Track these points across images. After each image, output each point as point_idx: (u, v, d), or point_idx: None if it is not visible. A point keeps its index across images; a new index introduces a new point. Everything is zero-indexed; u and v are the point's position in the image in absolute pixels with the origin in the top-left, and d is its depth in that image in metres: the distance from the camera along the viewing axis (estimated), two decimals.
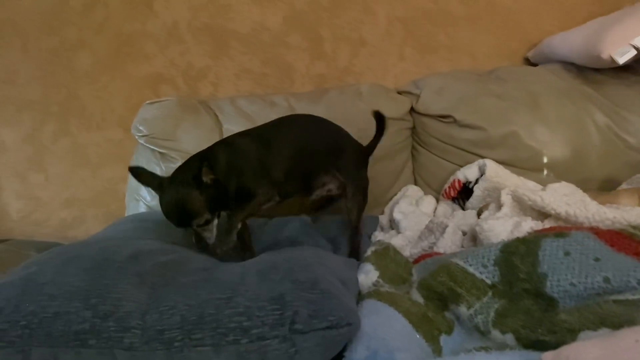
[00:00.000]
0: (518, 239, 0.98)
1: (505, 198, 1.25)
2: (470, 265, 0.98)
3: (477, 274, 0.97)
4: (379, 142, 1.49)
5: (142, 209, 1.69)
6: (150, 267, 1.00)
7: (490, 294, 0.95)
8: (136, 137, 1.73)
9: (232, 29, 2.07)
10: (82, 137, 2.15)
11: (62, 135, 2.14)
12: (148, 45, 2.08)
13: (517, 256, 0.96)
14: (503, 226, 1.15)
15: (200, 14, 2.05)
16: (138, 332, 0.82)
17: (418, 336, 0.92)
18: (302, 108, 1.72)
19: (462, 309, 0.96)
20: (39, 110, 2.12)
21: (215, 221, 1.15)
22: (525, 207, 1.21)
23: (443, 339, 0.95)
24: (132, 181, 1.75)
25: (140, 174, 1.18)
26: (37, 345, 0.81)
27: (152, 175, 1.18)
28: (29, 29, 2.06)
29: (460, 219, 1.37)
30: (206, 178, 1.09)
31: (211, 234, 1.15)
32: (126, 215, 1.76)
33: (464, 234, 1.30)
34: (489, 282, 0.96)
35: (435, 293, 1.01)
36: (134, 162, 1.79)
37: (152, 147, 1.69)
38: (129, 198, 1.76)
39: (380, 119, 1.46)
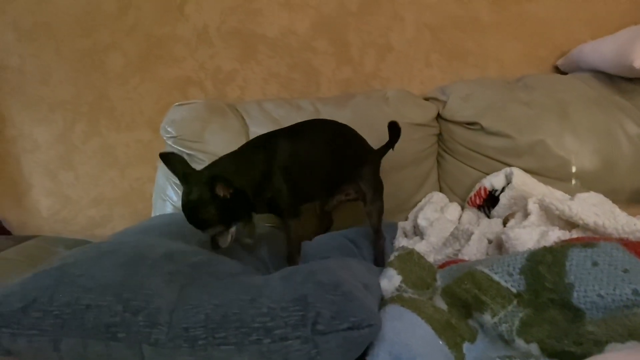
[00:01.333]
0: (545, 248, 0.97)
1: (533, 207, 1.24)
2: (496, 273, 0.98)
3: (503, 282, 0.96)
4: (389, 150, 1.48)
5: (169, 209, 1.72)
6: (181, 267, 1.02)
7: (515, 302, 0.94)
8: (164, 138, 1.76)
9: (261, 34, 2.09)
10: (112, 138, 2.19)
11: (92, 135, 2.19)
12: (178, 48, 2.11)
13: (544, 265, 0.95)
14: (529, 235, 1.14)
15: (229, 18, 2.08)
16: (164, 328, 0.84)
17: (441, 343, 0.92)
18: (328, 112, 1.73)
19: (486, 317, 0.95)
20: (71, 110, 2.17)
21: (233, 228, 1.16)
22: (553, 217, 1.20)
23: (466, 346, 0.94)
24: (159, 181, 1.79)
25: (171, 160, 1.17)
26: (68, 336, 0.84)
27: (182, 163, 1.17)
28: (63, 31, 2.11)
29: (485, 227, 1.37)
30: (222, 193, 1.07)
31: (225, 240, 1.16)
32: (152, 215, 1.79)
33: (490, 242, 1.29)
34: (514, 290, 0.95)
35: (459, 300, 1.01)
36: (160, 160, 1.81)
37: (179, 148, 1.71)
38: (155, 198, 1.79)
39: (395, 129, 1.45)
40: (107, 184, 2.22)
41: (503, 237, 1.16)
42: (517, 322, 0.92)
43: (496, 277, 0.97)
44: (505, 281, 0.96)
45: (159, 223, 1.40)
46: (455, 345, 0.93)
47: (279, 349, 0.81)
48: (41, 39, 2.12)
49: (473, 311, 0.98)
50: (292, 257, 1.23)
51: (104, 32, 2.11)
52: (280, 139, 1.26)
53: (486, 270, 0.99)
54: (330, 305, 0.84)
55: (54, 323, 0.85)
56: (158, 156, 1.89)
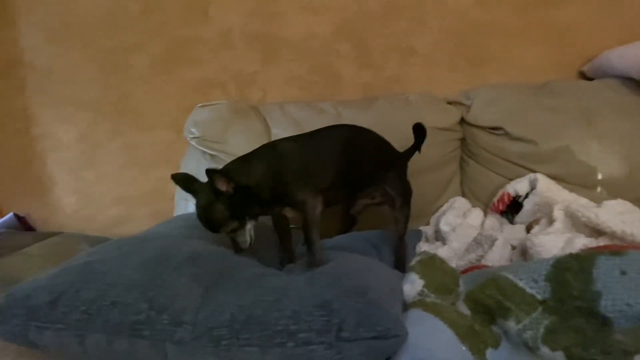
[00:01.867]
0: (571, 255, 0.96)
1: (558, 213, 1.22)
2: (521, 279, 0.96)
3: (527, 289, 0.95)
4: (415, 153, 1.47)
5: (191, 209, 1.72)
6: (205, 269, 1.03)
7: (540, 309, 0.93)
8: (188, 138, 1.78)
9: (283, 37, 2.10)
10: (134, 138, 2.22)
11: (116, 134, 2.22)
12: (201, 50, 2.13)
13: (570, 273, 0.93)
14: (554, 242, 1.12)
15: (252, 21, 2.09)
16: (189, 327, 0.84)
17: (464, 348, 0.90)
18: (350, 115, 1.72)
19: (511, 324, 0.94)
20: (95, 110, 2.20)
21: (249, 225, 1.15)
22: (579, 224, 1.18)
23: (489, 353, 0.93)
24: None
25: (182, 181, 1.19)
26: (93, 331, 0.85)
27: (192, 181, 1.18)
28: (89, 32, 2.15)
29: (509, 233, 1.35)
30: (223, 187, 1.08)
31: (244, 239, 1.15)
32: (175, 215, 1.80)
33: (513, 248, 1.27)
34: (539, 297, 0.94)
35: (483, 306, 1.00)
36: (185, 163, 1.83)
37: (202, 148, 1.72)
38: (178, 197, 1.80)
39: (420, 131, 1.44)
40: (129, 183, 2.25)
41: (527, 243, 1.15)
42: (542, 329, 0.90)
43: (521, 284, 0.95)
44: (530, 287, 0.94)
45: (181, 225, 1.41)
46: (478, 351, 0.91)
47: (303, 353, 0.80)
48: (68, 39, 2.16)
49: (497, 317, 0.97)
50: (310, 246, 1.18)
51: (129, 32, 2.14)
52: (290, 140, 1.28)
53: (511, 276, 0.97)
54: (356, 313, 0.83)
55: (80, 318, 0.86)
56: (180, 157, 1.94)
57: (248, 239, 1.16)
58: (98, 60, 2.17)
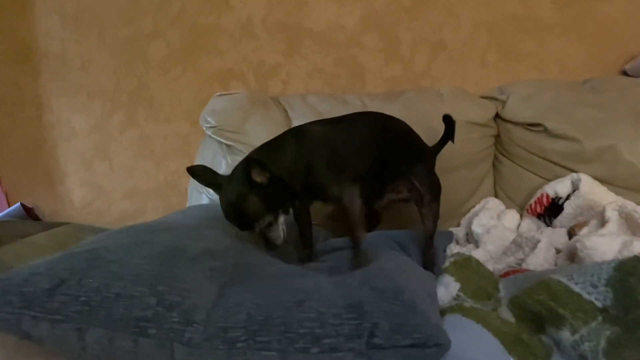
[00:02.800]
0: (637, 258, 0.84)
1: (612, 214, 1.10)
2: (577, 283, 0.85)
3: (585, 295, 0.83)
4: (444, 146, 1.37)
5: (205, 202, 1.63)
6: (223, 265, 0.94)
7: (600, 318, 0.81)
8: (204, 128, 1.69)
9: (307, 27, 2.00)
10: (149, 129, 2.14)
11: (130, 125, 2.14)
12: (221, 39, 2.05)
13: (635, 278, 0.82)
14: (609, 245, 1.00)
15: (275, 10, 2.00)
16: (200, 327, 0.75)
17: (512, 359, 0.79)
18: (377, 107, 1.61)
19: (565, 334, 0.82)
20: (110, 99, 2.13)
21: (282, 218, 1.05)
22: (635, 226, 1.06)
23: None
24: None
25: (200, 173, 1.09)
26: (94, 325, 0.76)
27: (213, 174, 1.08)
28: (107, 18, 2.08)
29: (549, 236, 1.23)
30: (259, 178, 0.98)
31: (278, 234, 1.04)
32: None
33: (558, 251, 1.15)
34: (599, 304, 0.82)
35: (530, 313, 0.88)
36: (200, 154, 1.74)
37: (219, 139, 1.63)
38: (191, 190, 1.71)
39: (449, 123, 1.32)
40: (142, 176, 2.17)
41: (577, 245, 1.03)
42: (603, 342, 0.78)
43: (577, 288, 0.84)
44: (589, 293, 0.83)
45: (197, 215, 1.31)
46: None
47: None
48: (84, 25, 2.09)
49: (547, 326, 0.85)
50: (355, 238, 1.07)
51: (147, 20, 2.06)
52: (318, 124, 1.17)
53: (564, 280, 0.86)
54: (391, 316, 0.73)
55: (80, 310, 0.77)
56: (195, 150, 1.85)
57: (281, 234, 1.05)
58: (114, 47, 2.10)
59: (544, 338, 0.86)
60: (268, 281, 0.89)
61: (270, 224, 1.02)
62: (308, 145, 1.09)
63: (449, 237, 1.40)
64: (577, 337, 0.80)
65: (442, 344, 0.71)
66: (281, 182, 1.02)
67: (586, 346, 0.79)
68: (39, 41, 2.11)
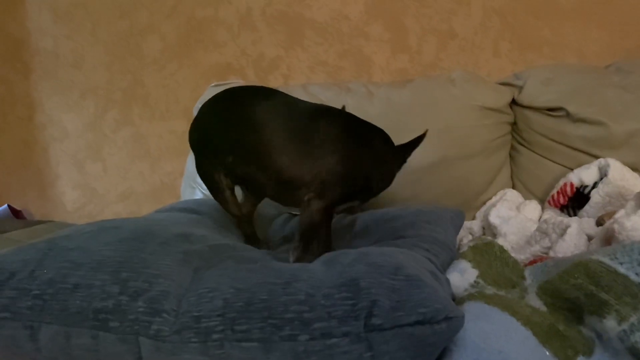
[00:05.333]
0: None
1: None
2: (622, 263, 0.71)
3: (633, 276, 0.69)
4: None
5: (199, 197, 1.52)
6: (199, 248, 0.83)
7: None
8: None
9: (309, 17, 1.91)
10: (144, 127, 2.04)
11: (124, 124, 2.04)
12: (219, 32, 1.95)
13: None
14: None
15: (275, 1, 1.91)
16: (170, 318, 0.63)
17: (548, 353, 0.66)
18: (383, 94, 1.50)
19: (609, 323, 0.68)
20: (103, 96, 2.04)
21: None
22: None
23: None
24: (189, 167, 1.60)
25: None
26: (48, 322, 0.64)
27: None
28: (99, 12, 1.99)
29: (578, 222, 1.09)
30: None
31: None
32: None
33: (590, 238, 1.02)
34: None
35: (566, 300, 0.75)
36: None
37: None
38: (184, 185, 1.59)
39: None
40: (136, 177, 2.06)
41: (615, 227, 0.89)
42: None
43: (622, 269, 0.70)
44: (637, 274, 0.69)
45: (182, 207, 1.19)
46: (566, 358, 0.66)
47: (320, 349, 0.58)
48: (77, 19, 2.00)
49: (586, 315, 0.72)
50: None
51: (142, 13, 1.97)
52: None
53: (606, 260, 0.72)
54: (391, 293, 0.61)
55: (32, 305, 0.65)
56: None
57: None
58: (108, 43, 2.01)
59: (583, 329, 0.72)
60: (248, 264, 0.77)
61: None
62: None
63: (460, 218, 1.14)
64: (625, 326, 0.67)
65: (453, 318, 0.59)
66: None
67: (637, 336, 0.65)
68: (31, 37, 2.03)
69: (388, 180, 1.02)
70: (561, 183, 1.33)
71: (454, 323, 0.60)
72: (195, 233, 0.90)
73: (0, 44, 2.04)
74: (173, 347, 0.61)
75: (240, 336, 0.60)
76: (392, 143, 1.01)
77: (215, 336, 0.60)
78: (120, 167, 2.06)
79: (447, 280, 0.86)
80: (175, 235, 0.85)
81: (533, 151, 1.46)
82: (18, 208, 1.98)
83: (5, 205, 1.93)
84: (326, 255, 0.78)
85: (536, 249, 1.03)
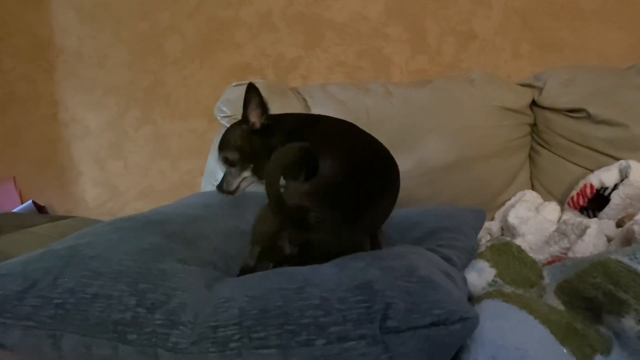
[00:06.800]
0: None
1: None
2: None
3: None
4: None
5: None
6: (215, 259, 0.86)
7: None
8: (218, 118, 1.60)
9: (328, 18, 1.92)
10: (165, 126, 2.06)
11: (145, 122, 2.07)
12: (239, 32, 1.98)
13: None
14: None
15: (295, 1, 1.93)
16: (187, 330, 0.63)
17: (565, 351, 0.66)
18: (402, 95, 1.51)
19: (628, 322, 0.68)
20: (125, 95, 2.07)
21: (247, 174, 1.03)
22: None
23: None
24: (210, 164, 1.63)
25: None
26: (70, 331, 0.65)
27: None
28: (122, 12, 2.02)
29: (598, 223, 1.09)
30: (254, 119, 0.99)
31: (231, 181, 1.04)
32: None
33: (609, 240, 1.02)
34: None
35: (584, 300, 0.75)
36: (214, 145, 1.65)
37: None
38: (205, 183, 1.62)
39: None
40: (156, 175, 2.09)
41: (635, 228, 0.89)
42: None
43: None
44: None
45: (198, 202, 1.21)
46: (584, 357, 0.67)
47: (337, 352, 0.59)
48: (100, 19, 2.04)
49: (605, 314, 0.72)
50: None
51: (164, 13, 2.00)
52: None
53: (625, 260, 0.73)
54: (405, 295, 0.62)
55: (54, 314, 0.65)
56: (211, 147, 1.76)
57: (235, 184, 1.04)
58: (130, 42, 2.04)
59: (601, 328, 0.73)
60: (263, 273, 0.78)
61: (232, 164, 1.02)
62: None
63: (480, 218, 1.15)
64: None
65: (467, 318, 0.60)
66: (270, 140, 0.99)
67: None
68: (55, 37, 2.06)
69: None
70: (581, 184, 1.33)
71: (469, 323, 0.61)
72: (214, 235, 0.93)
73: (26, 44, 2.08)
74: (192, 358, 0.61)
75: (257, 344, 0.60)
76: None
77: (232, 345, 0.61)
78: (141, 165, 2.09)
79: (464, 279, 0.87)
80: (193, 245, 0.87)
81: (553, 152, 1.45)
82: (42, 204, 2.02)
83: (30, 201, 1.97)
84: (337, 259, 0.79)
85: (555, 249, 1.03)
